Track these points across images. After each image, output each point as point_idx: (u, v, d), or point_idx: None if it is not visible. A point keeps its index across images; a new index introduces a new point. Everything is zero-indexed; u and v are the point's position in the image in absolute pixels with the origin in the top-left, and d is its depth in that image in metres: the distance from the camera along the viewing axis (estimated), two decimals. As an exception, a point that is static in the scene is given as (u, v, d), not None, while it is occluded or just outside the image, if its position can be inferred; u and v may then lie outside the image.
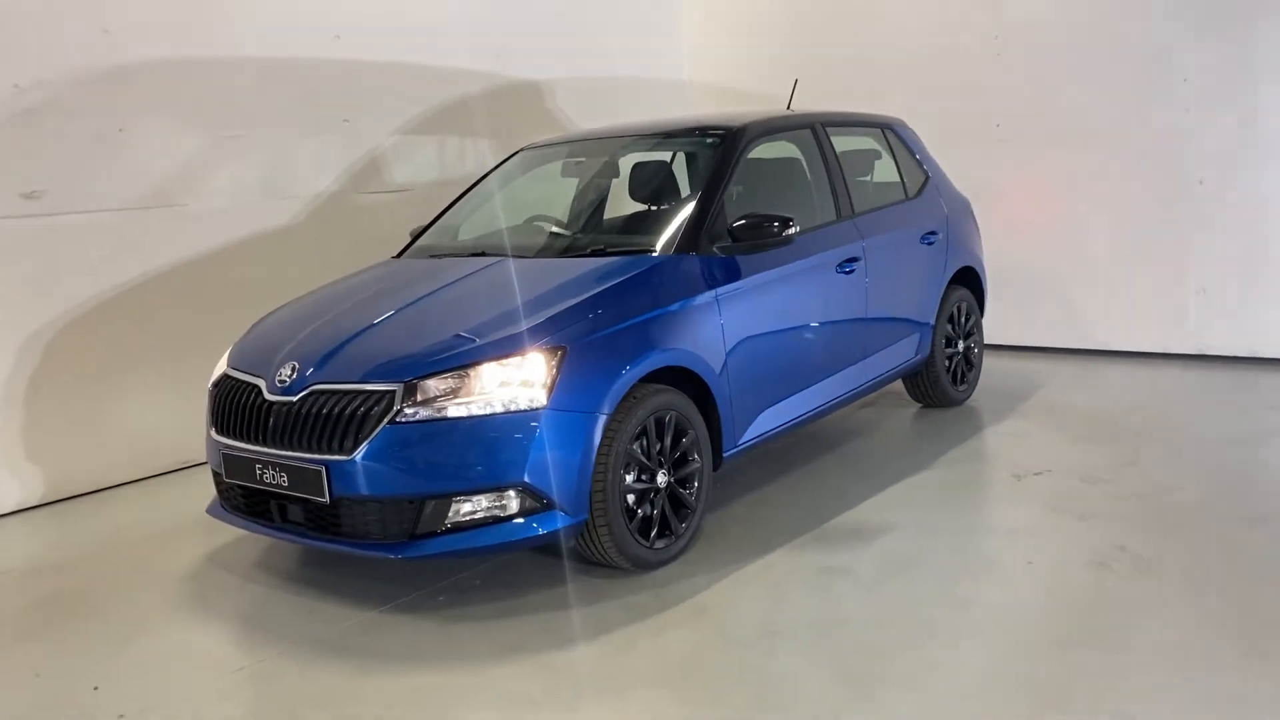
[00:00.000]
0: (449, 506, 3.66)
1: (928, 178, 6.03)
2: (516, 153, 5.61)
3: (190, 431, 5.93)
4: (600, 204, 5.29)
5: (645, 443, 3.95)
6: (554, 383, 3.68)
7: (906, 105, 6.96)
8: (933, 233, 5.79)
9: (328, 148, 6.58)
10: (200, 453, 5.95)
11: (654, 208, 4.81)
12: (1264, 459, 5.01)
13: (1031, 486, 4.76)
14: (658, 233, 4.46)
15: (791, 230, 4.37)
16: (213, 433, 4.13)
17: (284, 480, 3.81)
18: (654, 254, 4.32)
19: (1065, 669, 3.15)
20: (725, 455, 4.37)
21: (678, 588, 3.90)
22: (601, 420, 3.76)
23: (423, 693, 3.27)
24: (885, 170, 5.85)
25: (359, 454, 3.64)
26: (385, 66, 6.80)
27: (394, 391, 3.66)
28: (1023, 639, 3.37)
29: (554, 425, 3.66)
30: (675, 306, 4.13)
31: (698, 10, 8.97)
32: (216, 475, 4.24)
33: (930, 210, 5.88)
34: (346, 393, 3.73)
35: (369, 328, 4.01)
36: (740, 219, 4.41)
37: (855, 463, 5.27)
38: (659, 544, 4.03)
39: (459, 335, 3.83)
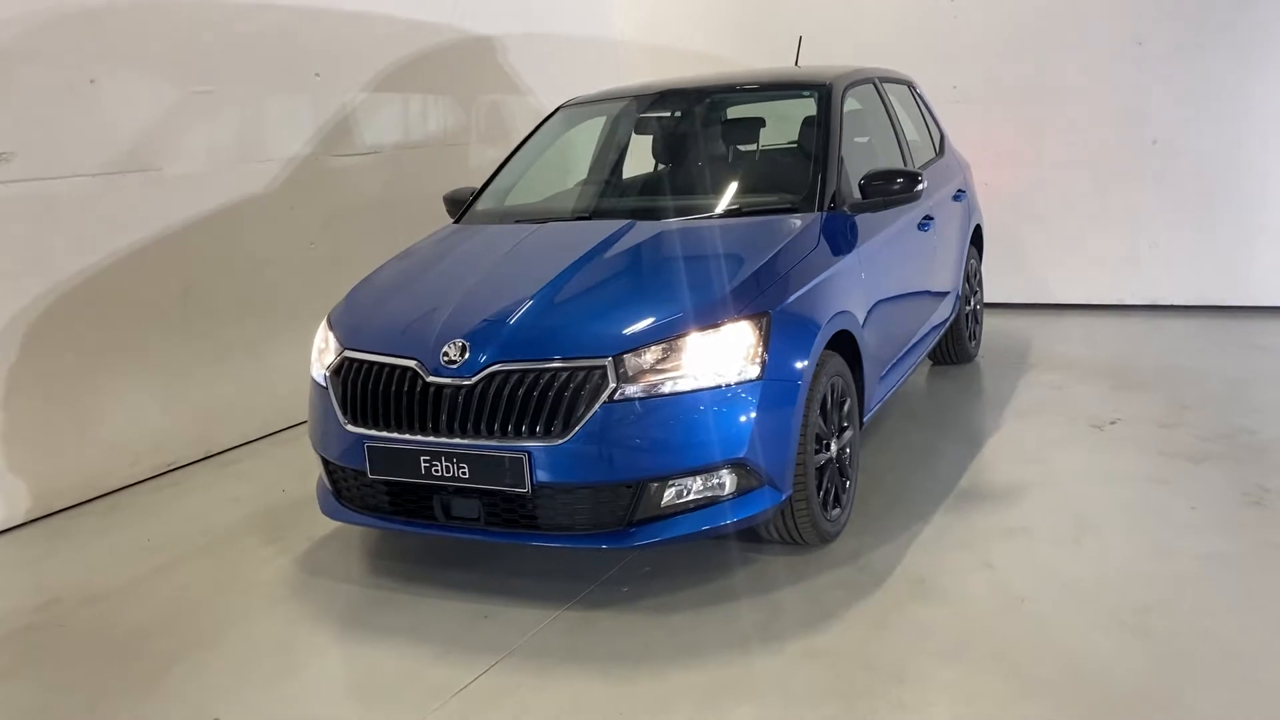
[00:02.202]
0: (664, 489, 3.36)
1: (943, 135, 6.07)
2: (557, 110, 5.22)
3: (180, 428, 5.29)
4: (689, 161, 4.97)
5: (824, 412, 3.76)
6: (764, 352, 3.43)
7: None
8: (961, 190, 5.84)
9: (299, 105, 5.93)
10: (192, 450, 5.35)
11: (757, 164, 4.59)
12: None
13: (1118, 434, 4.88)
14: (797, 190, 4.24)
15: (920, 186, 4.26)
16: (347, 425, 3.60)
17: (464, 472, 3.38)
18: (800, 213, 4.10)
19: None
20: (864, 420, 4.24)
21: (873, 560, 3.74)
22: (803, 389, 3.54)
23: (696, 692, 2.99)
24: (908, 128, 5.81)
25: (571, 437, 3.27)
26: (353, 16, 6.18)
27: (603, 367, 3.30)
28: None
29: (767, 397, 3.41)
30: (837, 267, 3.95)
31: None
32: (342, 471, 3.72)
33: (955, 168, 5.93)
34: (543, 371, 3.33)
35: (534, 301, 3.58)
36: (870, 175, 4.26)
37: (926, 423, 5.24)
38: (832, 515, 3.86)
39: (656, 305, 3.50)
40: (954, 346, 6.04)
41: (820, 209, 4.12)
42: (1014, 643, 3.14)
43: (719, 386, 3.35)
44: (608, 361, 3.31)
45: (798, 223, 4.00)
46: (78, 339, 4.82)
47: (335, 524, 4.34)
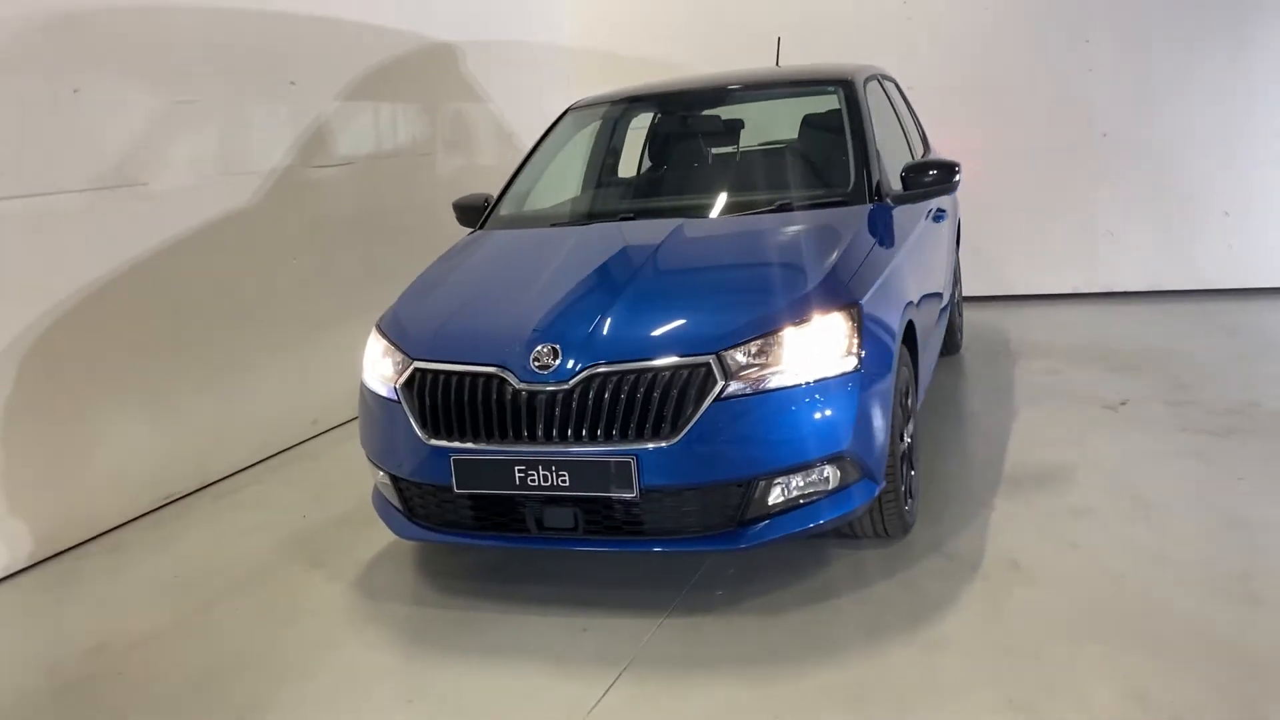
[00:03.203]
0: (770, 488, 3.29)
1: (924, 131, 6.16)
2: (565, 113, 5.10)
3: (175, 457, 4.99)
4: (719, 158, 4.91)
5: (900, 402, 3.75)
6: (859, 343, 3.39)
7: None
8: (951, 184, 5.92)
9: (277, 115, 5.67)
10: (188, 481, 5.04)
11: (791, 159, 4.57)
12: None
13: (1132, 415, 5.01)
14: (842, 183, 4.24)
15: (958, 177, 4.30)
16: (428, 439, 3.42)
17: (563, 480, 3.25)
18: (851, 205, 4.09)
19: None
20: (916, 408, 4.24)
21: (957, 548, 3.73)
22: (892, 379, 3.53)
23: (842, 690, 2.93)
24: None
25: (681, 438, 3.18)
26: (322, 21, 5.95)
27: (707, 364, 3.22)
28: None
29: (864, 388, 3.38)
30: (899, 258, 3.96)
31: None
32: (418, 488, 3.54)
33: (943, 163, 6.01)
34: (645, 371, 3.23)
35: (618, 301, 3.47)
36: (910, 167, 4.28)
37: (944, 414, 5.29)
38: (908, 505, 3.85)
39: (747, 300, 3.44)
40: (947, 337, 6.11)
41: (869, 201, 4.12)
42: (1134, 618, 3.16)
43: (821, 380, 3.30)
44: (711, 359, 3.23)
45: (854, 215, 3.99)
46: (69, 367, 4.49)
47: (380, 546, 4.17)
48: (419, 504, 3.58)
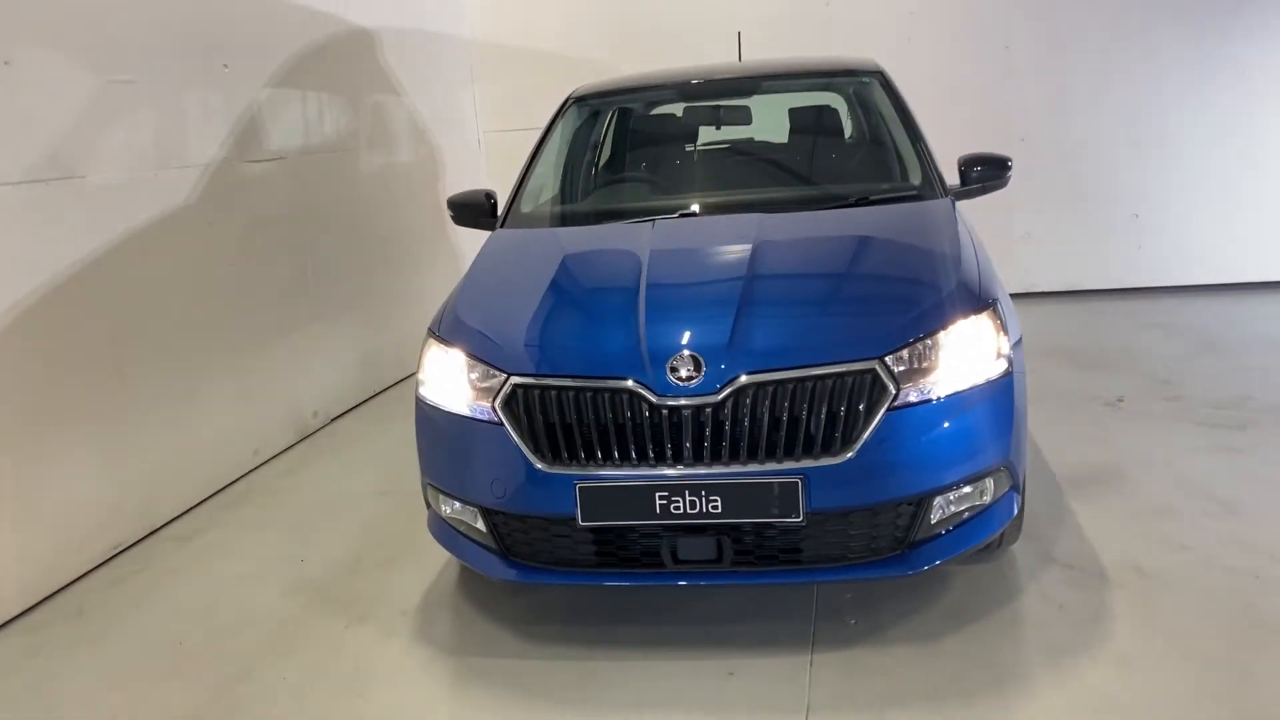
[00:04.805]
0: (933, 505, 3.01)
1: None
2: (568, 102, 4.65)
3: (121, 500, 4.31)
4: (762, 150, 4.58)
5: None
6: (1006, 344, 3.16)
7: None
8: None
9: (212, 101, 4.96)
10: (137, 526, 4.32)
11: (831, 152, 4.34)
12: (1248, 365, 5.69)
13: (1136, 411, 5.04)
14: (905, 176, 4.05)
15: (1009, 172, 4.18)
16: (545, 466, 2.94)
17: (714, 506, 2.87)
18: (928, 200, 3.88)
19: None
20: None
21: (1066, 557, 3.56)
22: (1025, 381, 3.32)
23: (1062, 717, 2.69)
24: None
25: (854, 453, 2.85)
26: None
27: (873, 370, 2.91)
28: None
29: (1016, 392, 3.16)
30: (978, 252, 3.76)
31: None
32: (521, 523, 3.05)
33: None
34: (805, 379, 2.88)
35: (743, 304, 3.07)
36: (967, 160, 4.12)
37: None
38: (1018, 513, 3.65)
39: (892, 302, 3.16)
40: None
41: (941, 195, 3.93)
42: (1304, 620, 3.07)
43: (979, 385, 3.04)
44: (876, 364, 2.92)
45: (941, 211, 3.78)
46: (3, 398, 3.73)
47: (420, 590, 3.70)
48: (522, 540, 3.09)
